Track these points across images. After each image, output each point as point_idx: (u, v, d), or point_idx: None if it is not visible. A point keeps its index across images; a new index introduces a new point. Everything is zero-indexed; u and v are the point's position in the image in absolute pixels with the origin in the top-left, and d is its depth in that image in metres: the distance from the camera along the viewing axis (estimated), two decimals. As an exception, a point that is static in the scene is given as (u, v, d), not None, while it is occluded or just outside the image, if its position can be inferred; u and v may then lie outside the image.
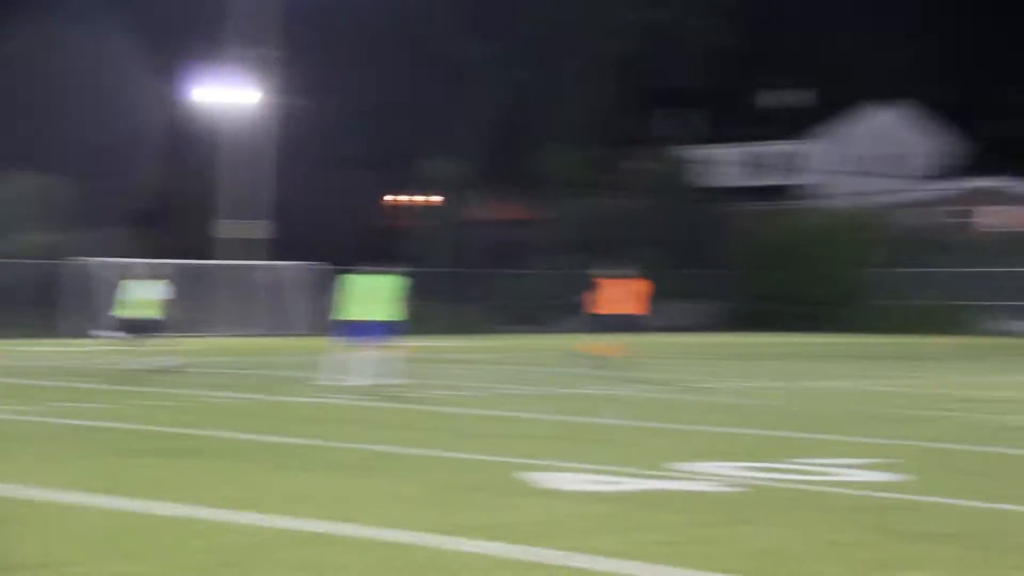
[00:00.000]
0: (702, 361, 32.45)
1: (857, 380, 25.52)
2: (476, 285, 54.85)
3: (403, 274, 22.30)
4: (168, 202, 59.22)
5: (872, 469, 12.54)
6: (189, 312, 35.77)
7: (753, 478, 11.83)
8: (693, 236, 59.87)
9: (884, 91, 75.33)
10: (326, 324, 24.34)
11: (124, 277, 27.14)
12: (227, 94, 50.39)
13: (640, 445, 14.42)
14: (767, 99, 78.00)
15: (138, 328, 25.68)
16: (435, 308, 49.69)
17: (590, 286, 27.65)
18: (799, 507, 10.44)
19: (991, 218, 60.84)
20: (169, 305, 25.99)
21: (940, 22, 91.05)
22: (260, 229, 50.78)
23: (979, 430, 16.64)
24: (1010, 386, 24.24)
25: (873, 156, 73.25)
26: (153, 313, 25.75)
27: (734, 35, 66.47)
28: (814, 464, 12.83)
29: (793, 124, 73.37)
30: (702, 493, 11.01)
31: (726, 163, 72.75)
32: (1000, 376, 27.14)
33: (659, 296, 59.50)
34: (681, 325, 57.19)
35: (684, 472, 12.16)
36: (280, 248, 50.03)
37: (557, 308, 56.72)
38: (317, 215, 57.88)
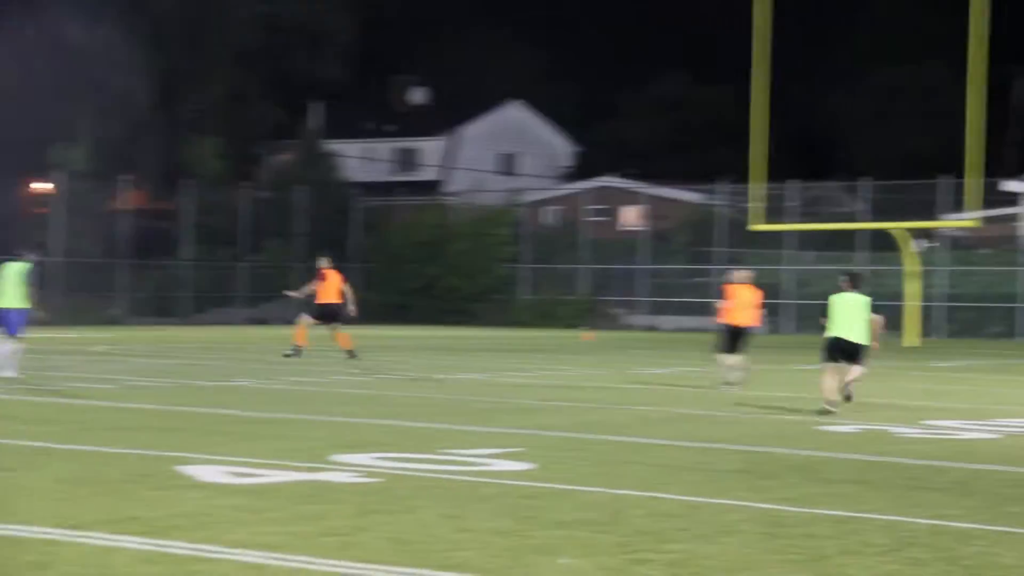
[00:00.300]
0: (343, 353, 32.77)
1: (497, 372, 26.35)
2: (118, 275, 53.80)
3: (32, 262, 21.94)
4: None
5: (509, 458, 13.15)
6: None
7: (398, 468, 12.27)
8: (336, 229, 60.28)
9: (511, 91, 77.69)
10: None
11: None
12: None
13: (293, 437, 14.66)
14: (404, 96, 79.12)
15: None
16: (77, 300, 48.50)
17: (319, 277, 28.35)
18: (440, 496, 10.91)
19: (627, 217, 63.49)
20: None
21: (561, 28, 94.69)
22: None
23: (608, 421, 17.55)
24: (643, 379, 25.52)
25: (508, 154, 75.25)
26: None
27: (366, 31, 68.02)
28: (455, 454, 13.37)
29: (431, 121, 74.67)
30: (351, 484, 11.36)
31: (371, 158, 73.44)
32: (636, 368, 28.50)
33: (292, 288, 59.82)
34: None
35: (333, 463, 12.50)
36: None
37: (200, 300, 56.22)
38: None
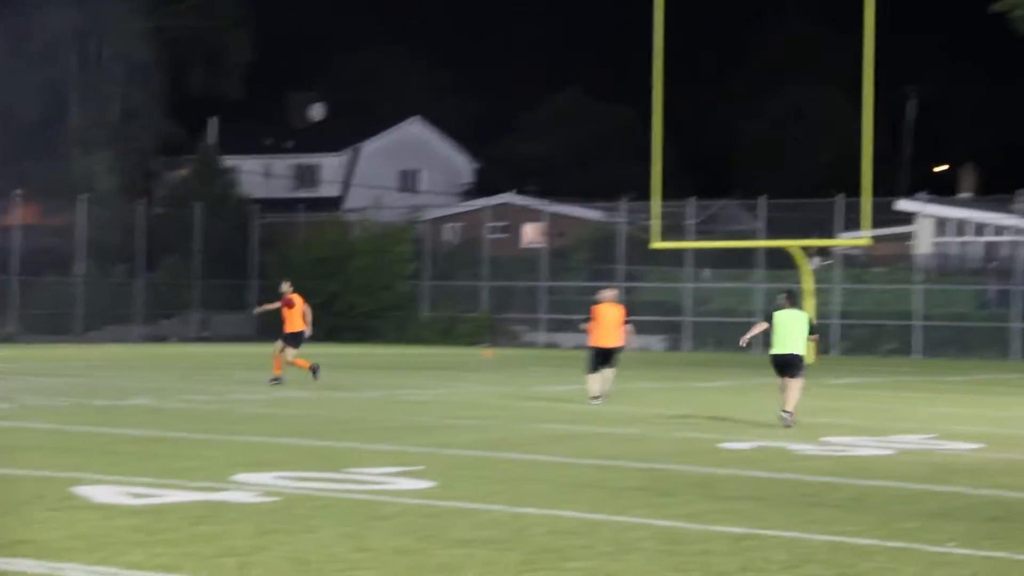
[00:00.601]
0: (248, 371, 32.54)
1: (398, 390, 26.29)
2: (10, 292, 53.00)
3: None
4: None
5: (410, 477, 13.14)
6: None
7: (298, 487, 12.21)
8: (235, 246, 59.88)
9: (411, 108, 77.81)
10: None
11: None
12: None
13: (191, 456, 14.52)
14: (303, 112, 78.88)
15: None
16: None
17: (285, 304, 28.37)
18: (341, 515, 10.86)
19: (528, 234, 63.68)
20: None
21: (458, 44, 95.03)
22: None
23: (509, 438, 17.58)
24: (544, 396, 25.58)
25: (409, 171, 75.24)
26: None
27: (260, 48, 67.98)
28: (356, 473, 13.32)
29: (330, 137, 74.50)
30: (250, 504, 11.28)
31: (270, 174, 73.07)
32: (537, 386, 28.57)
33: (201, 306, 59.32)
34: (225, 335, 57.17)
35: (233, 483, 12.41)
36: None
37: (95, 317, 55.49)
38: None
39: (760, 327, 20.81)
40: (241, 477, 12.86)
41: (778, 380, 20.06)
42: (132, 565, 8.58)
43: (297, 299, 28.31)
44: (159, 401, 22.54)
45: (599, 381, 22.92)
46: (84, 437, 16.58)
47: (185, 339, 55.78)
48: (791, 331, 19.92)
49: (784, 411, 19.62)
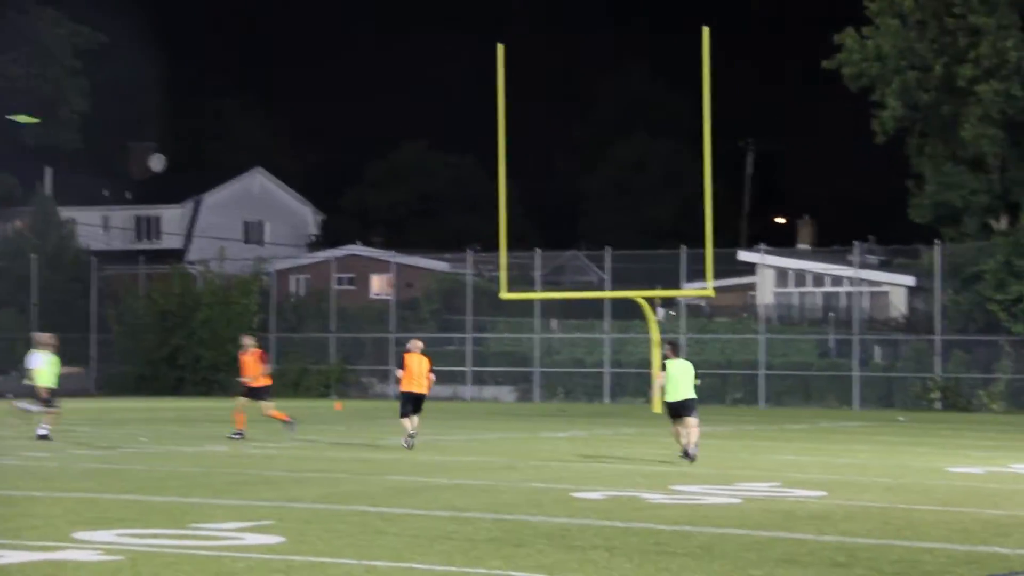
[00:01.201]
0: (88, 426, 31.84)
1: (245, 443, 25.94)
2: None
3: None
4: None
5: (259, 532, 12.97)
6: None
7: (143, 545, 11.96)
8: (74, 299, 58.76)
9: (253, 159, 77.46)
10: None
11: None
12: None
13: (30, 515, 14.16)
14: (143, 163, 77.84)
15: None
16: None
17: (261, 359, 28.09)
18: (188, 573, 10.67)
19: (376, 285, 63.48)
20: None
21: (298, 97, 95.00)
22: None
23: (360, 491, 17.44)
24: (393, 448, 25.45)
25: (253, 222, 74.67)
26: None
27: (96, 98, 67.12)
28: (203, 529, 13.11)
29: (170, 189, 73.68)
30: (92, 563, 11.03)
31: (108, 226, 71.97)
32: (388, 438, 28.39)
33: (25, 361, 57.76)
34: (64, 390, 55.82)
35: (74, 541, 12.12)
36: None
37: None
38: None
39: (660, 378, 22.71)
40: (82, 535, 12.57)
41: (673, 427, 22.26)
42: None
43: (258, 353, 27.90)
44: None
45: (410, 423, 24.57)
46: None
47: (21, 395, 54.40)
48: (682, 378, 22.21)
49: (688, 452, 21.92)
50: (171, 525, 13.42)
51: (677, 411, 22.14)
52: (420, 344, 25.52)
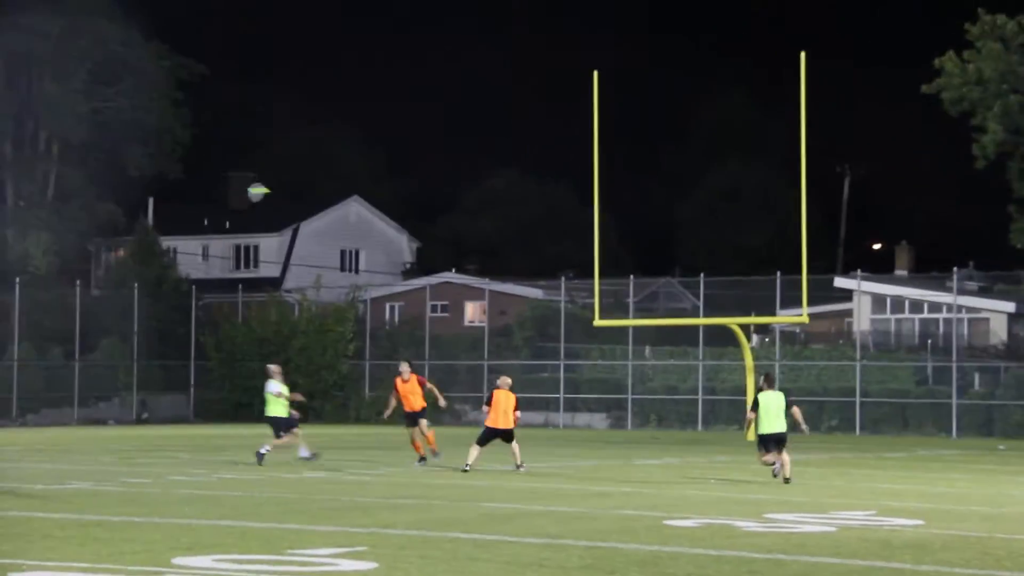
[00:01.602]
0: (188, 452, 32.24)
1: (339, 470, 26.14)
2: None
3: None
4: None
5: (353, 558, 13.05)
6: None
7: (239, 570, 12.09)
8: (174, 327, 59.47)
9: (349, 188, 78.13)
10: None
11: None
12: None
13: (130, 540, 14.36)
14: (241, 192, 78.78)
15: None
16: None
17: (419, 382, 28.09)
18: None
19: (470, 312, 63.74)
20: None
21: (393, 125, 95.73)
22: None
23: (454, 517, 17.49)
24: (488, 474, 25.50)
25: (349, 250, 75.28)
26: None
27: (197, 128, 68.12)
28: (298, 555, 13.22)
29: (268, 218, 74.47)
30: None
31: (208, 255, 72.90)
32: (483, 465, 28.42)
33: (140, 387, 58.73)
34: (164, 417, 56.66)
35: (175, 566, 12.27)
36: None
37: (31, 400, 54.87)
38: None
39: (752, 416, 23.47)
40: (180, 560, 12.73)
41: (764, 456, 23.15)
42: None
43: (414, 378, 28.10)
44: (97, 484, 22.30)
45: (477, 452, 25.79)
46: (21, 522, 16.36)
47: (123, 422, 55.24)
48: (773, 409, 22.93)
49: (785, 478, 22.92)
50: (267, 551, 13.54)
51: (768, 443, 22.97)
52: (509, 381, 26.33)
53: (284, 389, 27.93)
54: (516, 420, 25.92)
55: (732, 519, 17.31)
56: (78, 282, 59.05)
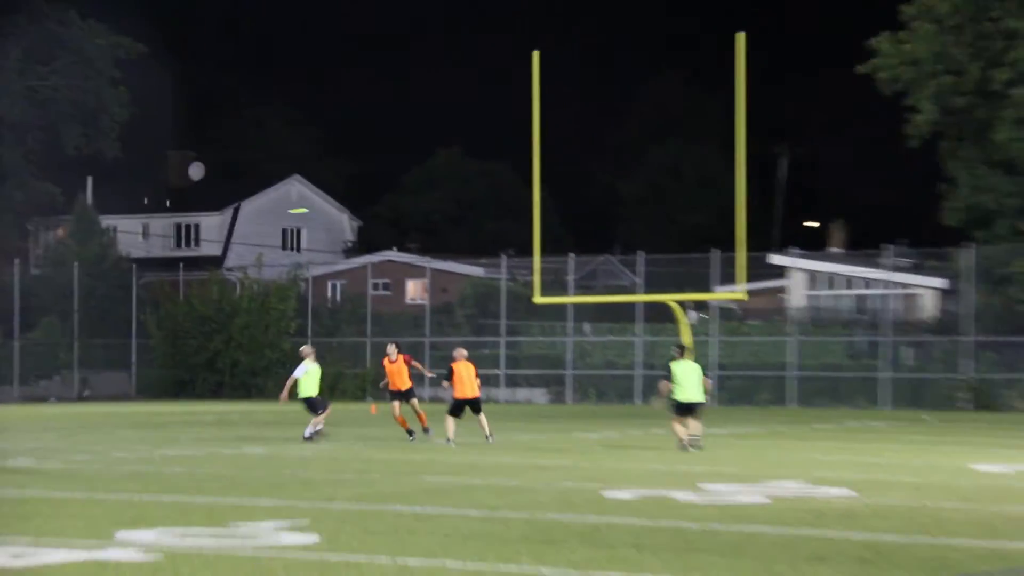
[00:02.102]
0: (129, 430, 32.10)
1: (280, 445, 26.13)
2: None
3: None
4: None
5: (295, 531, 13.10)
6: None
7: (183, 544, 12.11)
8: (115, 305, 59.10)
9: (290, 167, 77.87)
10: None
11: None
12: None
13: (74, 515, 14.33)
14: (181, 172, 78.27)
15: None
16: None
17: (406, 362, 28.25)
18: (225, 572, 10.79)
19: (411, 290, 63.70)
20: None
21: (332, 105, 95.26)
22: None
23: (394, 491, 17.55)
24: (426, 449, 25.58)
25: (290, 229, 75.00)
26: None
27: (136, 107, 67.62)
28: (241, 529, 13.25)
29: (209, 197, 74.04)
30: (133, 562, 11.18)
31: (151, 234, 72.41)
32: (425, 440, 28.50)
33: (81, 365, 58.25)
34: (106, 394, 56.33)
35: (119, 541, 12.27)
36: None
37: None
38: None
39: (666, 386, 24.56)
40: (123, 535, 12.73)
41: (678, 423, 24.28)
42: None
43: (401, 358, 28.27)
44: (39, 462, 22.18)
45: (454, 424, 26.34)
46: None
47: (65, 399, 54.87)
48: (690, 379, 24.09)
49: (688, 444, 24.08)
50: (210, 524, 13.56)
51: (685, 410, 24.18)
52: (465, 352, 27.02)
53: (311, 369, 27.86)
54: (479, 384, 26.65)
55: (668, 490, 17.46)
56: (16, 261, 58.54)
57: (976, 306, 48.64)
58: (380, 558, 11.48)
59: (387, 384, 28.10)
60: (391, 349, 28.25)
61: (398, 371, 27.81)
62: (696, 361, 25.26)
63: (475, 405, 26.54)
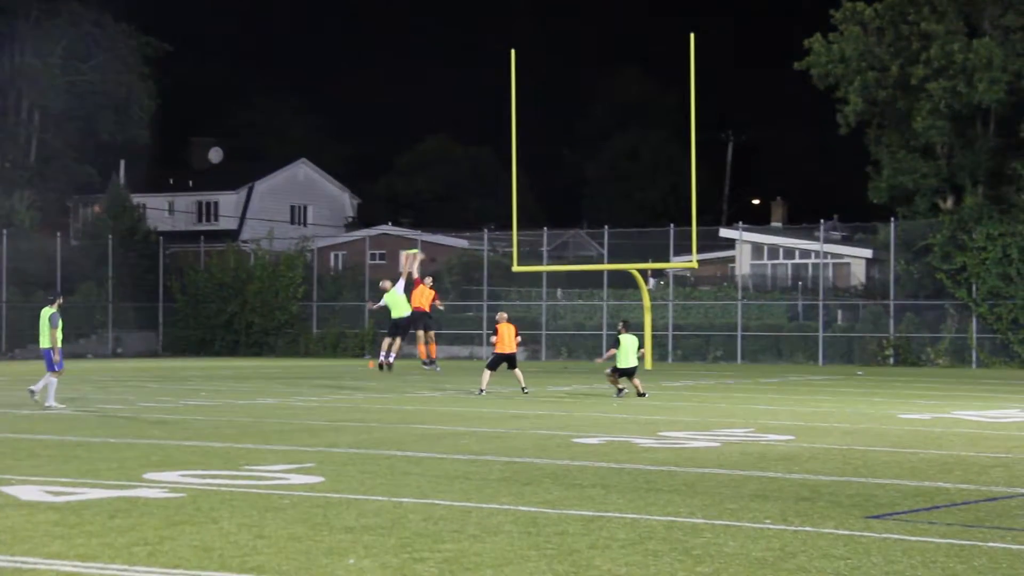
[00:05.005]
0: (157, 383, 31.94)
1: (290, 397, 26.03)
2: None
3: (57, 306, 22.04)
4: None
5: (302, 473, 13.01)
6: None
7: (203, 484, 12.02)
8: (144, 274, 58.96)
9: (298, 151, 77.70)
10: None
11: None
12: None
13: (105, 458, 14.22)
14: (202, 155, 77.94)
15: None
16: None
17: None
18: (241, 508, 10.72)
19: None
20: None
21: (336, 96, 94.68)
22: None
23: (389, 438, 17.48)
24: (419, 401, 25.50)
25: (298, 206, 74.76)
26: None
27: (163, 98, 67.63)
28: (254, 471, 13.16)
29: (227, 177, 73.74)
30: (159, 499, 11.09)
31: (173, 210, 72.15)
32: (415, 391, 28.44)
33: (114, 326, 58.04)
34: (136, 351, 56.18)
35: (144, 481, 12.18)
36: None
37: (19, 337, 54.09)
38: None
39: (611, 352, 26.12)
40: (151, 476, 12.62)
41: (613, 377, 25.99)
42: (53, 555, 8.38)
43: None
44: (77, 410, 22.04)
45: (488, 376, 26.82)
46: (9, 443, 16.14)
47: (100, 355, 54.68)
48: (631, 350, 25.70)
49: (622, 391, 25.80)
50: (226, 467, 13.46)
51: (626, 374, 25.59)
52: (505, 315, 27.70)
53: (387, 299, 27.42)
54: (518, 344, 27.36)
55: (631, 437, 17.42)
56: (59, 234, 58.32)
57: (898, 273, 48.74)
58: (378, 497, 11.40)
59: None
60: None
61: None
62: (636, 335, 26.83)
63: (511, 360, 26.96)
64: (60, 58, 63.59)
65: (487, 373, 26.78)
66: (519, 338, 27.41)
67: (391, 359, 27.77)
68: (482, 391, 26.41)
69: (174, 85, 72.71)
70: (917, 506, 11.35)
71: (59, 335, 22.47)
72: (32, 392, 22.55)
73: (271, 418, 20.77)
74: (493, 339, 27.30)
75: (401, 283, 27.98)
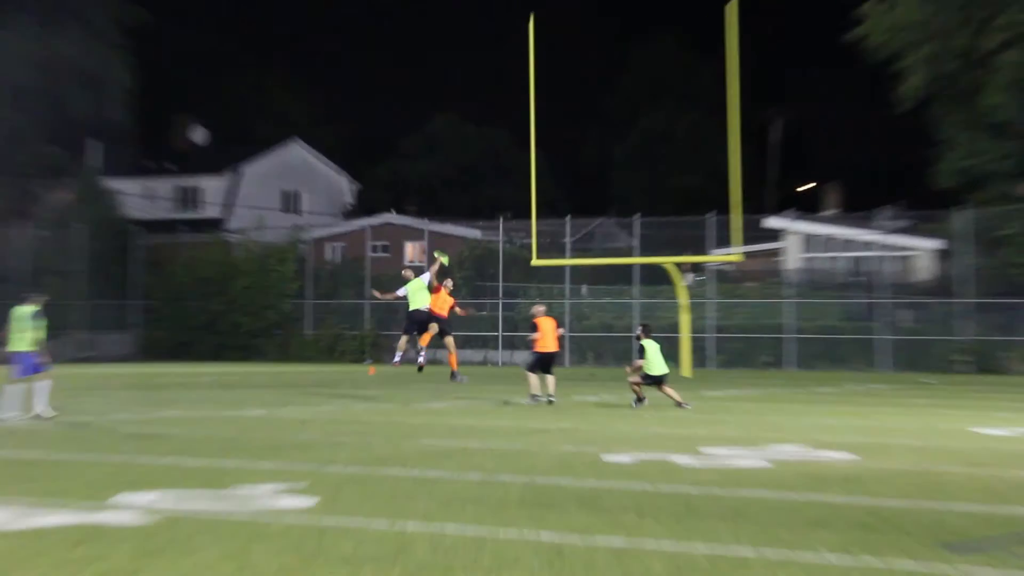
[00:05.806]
0: (131, 391, 31.87)
1: (280, 408, 25.89)
2: None
3: (38, 305, 22.01)
4: None
5: (293, 494, 12.84)
6: None
7: (181, 507, 11.85)
8: (117, 266, 58.93)
9: (290, 131, 77.71)
10: None
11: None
12: None
13: (71, 477, 14.08)
14: (184, 134, 78.05)
15: None
16: None
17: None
18: (223, 535, 10.56)
19: (410, 252, 63.42)
20: None
21: (332, 70, 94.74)
22: None
23: (393, 455, 17.31)
24: (425, 412, 25.35)
25: (291, 192, 74.73)
26: None
27: (141, 72, 67.63)
28: (239, 491, 12.99)
29: (211, 159, 73.79)
30: (131, 525, 10.93)
31: (151, 196, 72.11)
32: (421, 402, 28.29)
33: (84, 326, 58.16)
34: (109, 355, 56.18)
35: (116, 503, 12.02)
36: None
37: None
38: None
39: (639, 363, 25.69)
40: (121, 498, 12.46)
41: (632, 379, 25.67)
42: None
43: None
44: (38, 422, 21.93)
45: (539, 381, 26.69)
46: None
47: (67, 359, 54.70)
48: (659, 355, 25.46)
49: (677, 402, 25.55)
50: (208, 487, 13.29)
51: (657, 382, 25.51)
52: (543, 308, 27.23)
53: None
54: (559, 337, 26.84)
55: (668, 454, 17.21)
56: (24, 222, 58.39)
57: (972, 268, 48.47)
58: (378, 522, 11.22)
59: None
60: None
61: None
62: (656, 341, 26.19)
63: (550, 362, 26.57)
64: (29, 29, 63.57)
65: (532, 376, 26.43)
66: (561, 330, 26.91)
67: (421, 358, 28.07)
68: (549, 398, 26.26)
69: (154, 57, 72.78)
70: (995, 533, 11.12)
71: (41, 336, 22.74)
72: (41, 417, 22.56)
73: (258, 431, 20.62)
74: (533, 336, 26.68)
75: (426, 277, 27.95)
